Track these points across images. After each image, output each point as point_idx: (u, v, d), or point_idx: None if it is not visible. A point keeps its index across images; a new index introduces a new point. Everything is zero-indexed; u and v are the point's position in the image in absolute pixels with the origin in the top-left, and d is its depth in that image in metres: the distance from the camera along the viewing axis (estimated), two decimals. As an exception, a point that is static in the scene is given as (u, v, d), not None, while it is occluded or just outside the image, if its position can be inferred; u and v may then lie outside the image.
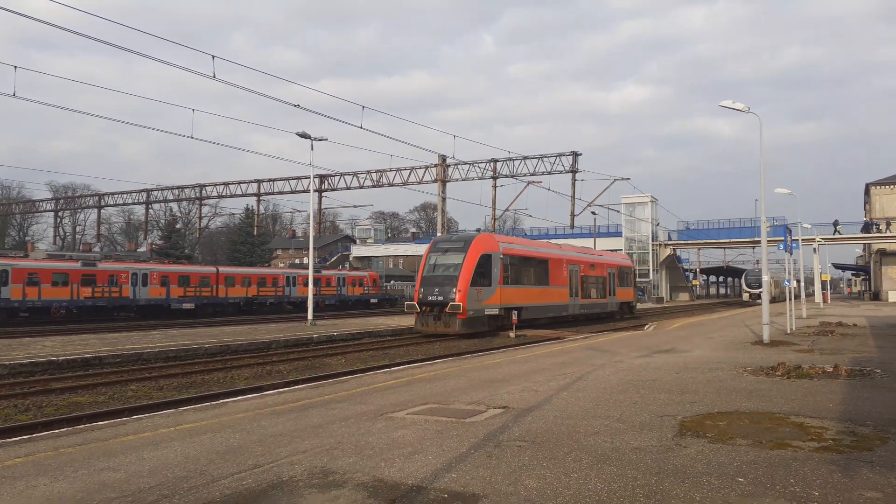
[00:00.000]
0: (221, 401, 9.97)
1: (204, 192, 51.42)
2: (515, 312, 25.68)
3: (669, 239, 76.83)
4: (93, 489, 5.35)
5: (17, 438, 7.51)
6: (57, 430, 8.02)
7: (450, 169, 40.35)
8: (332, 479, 5.51)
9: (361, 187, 44.67)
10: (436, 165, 40.20)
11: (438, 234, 39.87)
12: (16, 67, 21.77)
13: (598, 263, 36.07)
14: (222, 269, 47.83)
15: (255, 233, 68.82)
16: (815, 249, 61.04)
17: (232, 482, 5.47)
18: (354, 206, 52.53)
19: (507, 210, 46.65)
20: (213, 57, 19.68)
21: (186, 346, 18.62)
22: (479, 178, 40.43)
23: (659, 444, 6.62)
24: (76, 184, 74.96)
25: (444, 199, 40.12)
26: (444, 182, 39.93)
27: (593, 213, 59.90)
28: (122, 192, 56.10)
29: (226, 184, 50.14)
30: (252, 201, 57.84)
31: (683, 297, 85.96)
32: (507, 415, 8.23)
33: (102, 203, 58.53)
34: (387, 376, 12.34)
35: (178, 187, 52.77)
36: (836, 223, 65.18)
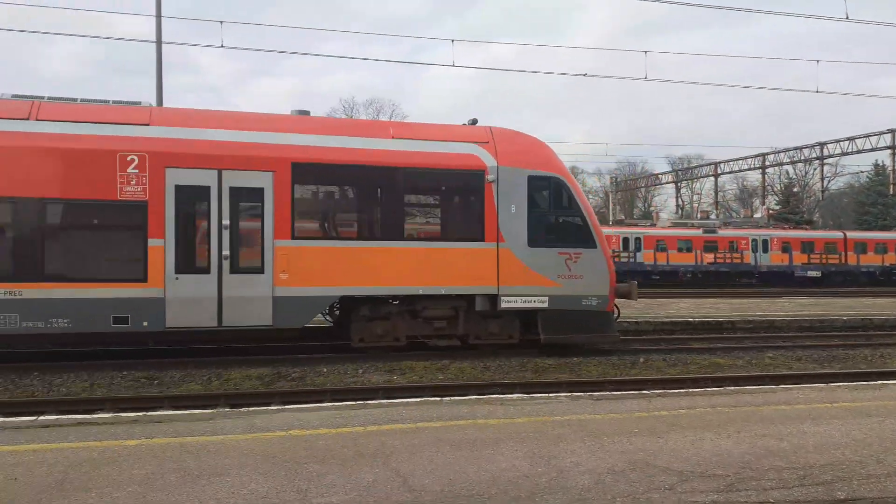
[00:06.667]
0: (877, 381, 8.88)
1: (825, 150, 47.41)
2: None
3: None
4: (758, 453, 5.38)
5: (687, 390, 8.26)
6: (710, 389, 8.51)
7: None
8: None
9: None
10: None
11: None
12: (646, 52, 24.28)
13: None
14: (850, 234, 43.89)
15: (892, 191, 59.46)
16: None
17: (922, 481, 4.68)
18: None
19: None
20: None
21: (820, 316, 17.54)
22: None
23: None
24: (690, 154, 79.30)
25: None
26: None
27: None
28: (736, 159, 56.67)
29: (851, 139, 44.95)
30: (882, 156, 50.44)
31: None
32: None
33: (718, 171, 60.38)
34: None
35: (795, 148, 50.09)
36: None
